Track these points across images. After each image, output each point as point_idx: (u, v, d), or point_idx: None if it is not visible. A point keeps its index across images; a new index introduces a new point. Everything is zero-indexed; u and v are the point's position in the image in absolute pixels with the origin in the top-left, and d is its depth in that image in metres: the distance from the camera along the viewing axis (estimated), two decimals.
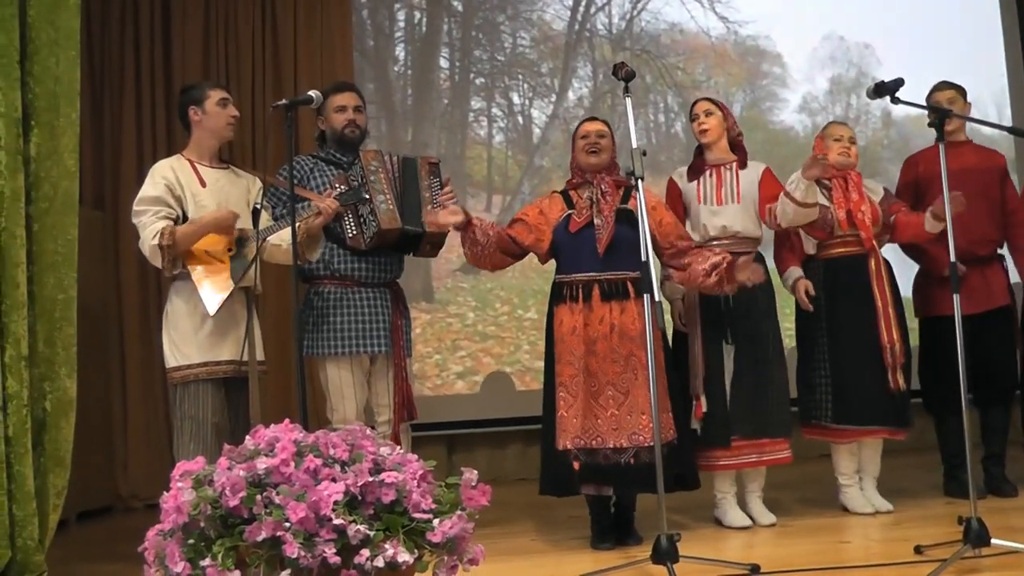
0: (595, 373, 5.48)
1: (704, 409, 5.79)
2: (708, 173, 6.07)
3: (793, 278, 6.13)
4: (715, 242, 5.92)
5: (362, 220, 5.68)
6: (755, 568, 4.61)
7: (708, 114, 6.10)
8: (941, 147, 4.84)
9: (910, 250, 6.55)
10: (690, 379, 5.85)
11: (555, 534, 5.82)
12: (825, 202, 6.08)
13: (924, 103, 6.09)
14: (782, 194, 5.81)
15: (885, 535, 5.48)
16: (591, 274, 5.58)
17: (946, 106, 6.21)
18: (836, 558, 4.93)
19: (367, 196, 5.64)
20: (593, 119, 5.95)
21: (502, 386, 8.98)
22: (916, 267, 6.65)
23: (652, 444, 5.02)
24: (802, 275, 6.11)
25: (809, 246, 6.22)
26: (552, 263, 5.87)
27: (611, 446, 5.40)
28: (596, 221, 5.59)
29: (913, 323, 6.44)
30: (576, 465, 5.38)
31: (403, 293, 6.04)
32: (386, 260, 5.82)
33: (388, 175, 5.77)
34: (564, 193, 5.83)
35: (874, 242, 6.08)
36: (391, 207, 5.64)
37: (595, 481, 5.46)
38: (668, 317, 5.94)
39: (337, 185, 5.64)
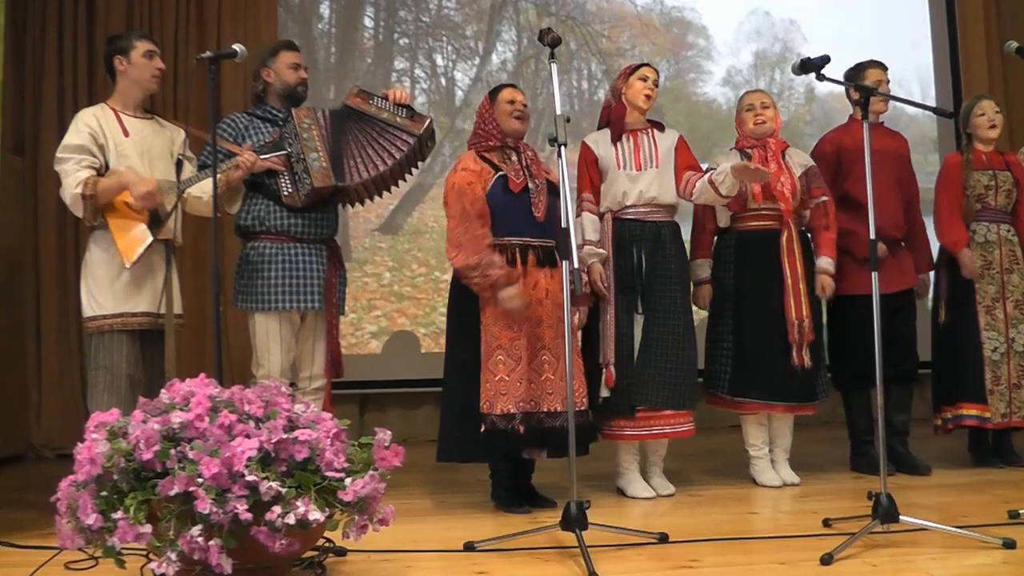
0: (532, 337, 5.49)
1: (615, 378, 5.81)
2: (625, 138, 6.01)
3: (699, 278, 6.24)
4: (631, 209, 5.92)
5: (297, 178, 5.60)
6: (663, 537, 4.64)
7: (655, 84, 6.09)
8: (865, 125, 4.81)
9: None
10: (600, 348, 5.87)
11: (465, 496, 5.83)
12: None
13: (849, 81, 6.13)
14: (707, 179, 5.81)
15: (794, 507, 5.54)
16: (527, 239, 5.57)
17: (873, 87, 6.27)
18: (744, 528, 4.97)
19: (288, 149, 5.60)
20: (516, 87, 5.90)
21: (407, 346, 9.10)
22: None
23: (583, 409, 5.39)
24: (709, 277, 6.21)
25: (723, 218, 6.22)
26: None
27: (545, 410, 5.46)
28: (530, 185, 5.60)
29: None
30: (521, 429, 5.37)
31: (340, 250, 5.97)
32: (322, 216, 5.75)
33: (321, 132, 5.70)
34: (480, 156, 5.70)
35: (791, 215, 6.08)
36: (324, 164, 5.57)
37: (533, 445, 5.47)
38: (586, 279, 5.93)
39: (273, 138, 5.61)
